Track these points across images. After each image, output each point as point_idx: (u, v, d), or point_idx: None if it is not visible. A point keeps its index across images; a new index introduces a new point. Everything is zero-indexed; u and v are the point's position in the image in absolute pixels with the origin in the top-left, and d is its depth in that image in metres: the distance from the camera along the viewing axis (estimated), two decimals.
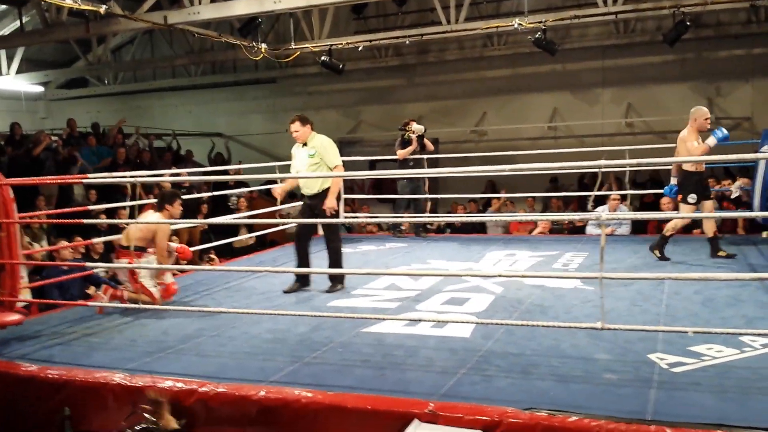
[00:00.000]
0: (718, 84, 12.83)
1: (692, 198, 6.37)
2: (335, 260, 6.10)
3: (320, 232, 7.01)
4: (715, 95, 12.84)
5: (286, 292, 5.95)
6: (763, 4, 10.82)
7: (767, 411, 3.12)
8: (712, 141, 6.22)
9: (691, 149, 6.36)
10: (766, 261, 6.43)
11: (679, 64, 13.00)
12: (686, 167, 6.46)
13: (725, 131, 6.26)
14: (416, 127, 8.82)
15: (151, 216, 5.76)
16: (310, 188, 6.05)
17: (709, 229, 6.70)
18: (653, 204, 10.78)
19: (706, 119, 6.44)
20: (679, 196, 6.58)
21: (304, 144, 6.07)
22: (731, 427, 2.92)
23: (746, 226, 8.67)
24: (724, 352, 3.88)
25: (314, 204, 6.00)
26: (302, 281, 6.07)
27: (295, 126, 6.04)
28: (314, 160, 5.97)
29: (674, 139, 12.61)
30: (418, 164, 8.86)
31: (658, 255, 6.63)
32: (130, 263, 5.51)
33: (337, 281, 5.98)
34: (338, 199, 6.10)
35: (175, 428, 3.45)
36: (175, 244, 5.94)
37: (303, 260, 6.12)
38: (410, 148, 8.81)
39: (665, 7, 10.91)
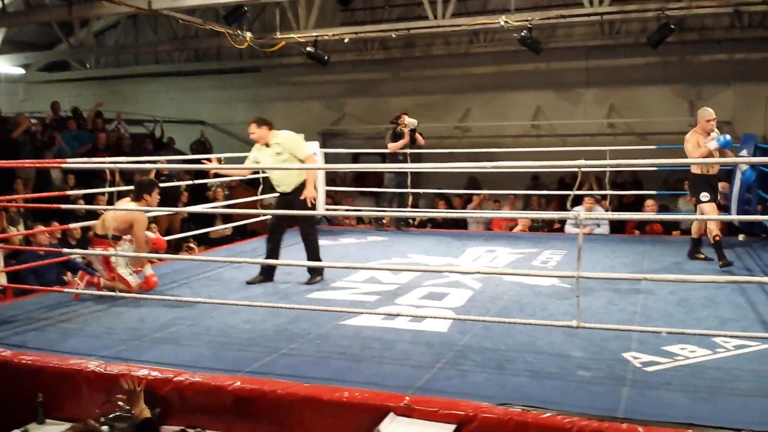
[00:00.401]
0: (700, 88, 12.96)
1: (705, 196, 6.24)
2: (313, 252, 6.06)
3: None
4: (697, 99, 12.95)
5: (248, 283, 5.91)
6: (747, 9, 10.94)
7: (737, 411, 3.17)
8: (712, 145, 6.15)
9: (690, 151, 6.33)
10: (743, 264, 6.52)
11: (662, 67, 13.11)
12: (692, 169, 6.45)
13: (727, 137, 6.15)
14: (409, 121, 8.77)
15: (127, 205, 5.68)
16: (286, 185, 5.95)
17: (696, 230, 6.71)
18: (633, 205, 10.88)
19: (707, 121, 6.32)
20: (692, 199, 6.55)
21: (267, 145, 5.95)
22: (701, 427, 2.96)
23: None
24: (697, 352, 3.93)
25: (291, 199, 5.93)
26: (266, 274, 6.00)
27: (252, 128, 5.94)
28: (283, 157, 5.85)
29: (655, 140, 12.81)
30: (407, 158, 8.82)
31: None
32: (105, 258, 5.44)
33: (316, 273, 5.96)
34: (315, 189, 6.04)
35: (149, 417, 3.43)
36: (151, 234, 5.88)
37: (272, 253, 6.06)
38: (402, 142, 8.75)
39: (650, 9, 10.99)
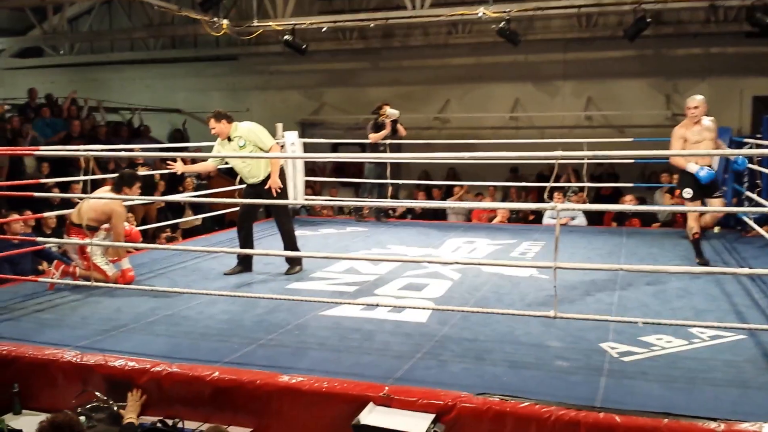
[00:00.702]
0: (676, 81, 13.08)
1: (687, 193, 5.97)
2: (289, 242, 6.02)
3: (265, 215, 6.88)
4: (673, 92, 13.09)
5: (226, 274, 5.87)
6: (722, 4, 11.05)
7: (712, 401, 3.22)
8: (692, 168, 5.90)
9: (672, 144, 6.12)
10: (717, 255, 6.61)
11: (638, 60, 13.21)
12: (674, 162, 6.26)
13: (710, 172, 5.91)
14: (390, 112, 8.74)
15: (117, 201, 5.51)
16: (255, 177, 5.89)
17: (689, 233, 6.25)
18: (610, 197, 10.99)
19: (688, 108, 6.21)
20: (677, 191, 6.40)
21: (229, 139, 5.87)
22: (677, 416, 3.01)
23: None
24: (673, 342, 3.99)
25: (261, 189, 5.87)
26: (244, 265, 5.97)
27: (211, 123, 5.87)
28: (248, 150, 5.78)
29: (632, 133, 12.94)
30: (387, 149, 8.79)
31: (699, 261, 6.07)
32: (81, 247, 5.37)
33: (295, 263, 5.94)
34: (282, 176, 5.96)
35: (133, 423, 3.41)
36: (126, 226, 5.76)
37: (246, 243, 6.02)
38: (383, 133, 8.71)
39: (627, 2, 11.06)
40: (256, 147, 5.79)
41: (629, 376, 3.54)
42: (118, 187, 5.55)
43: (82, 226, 5.33)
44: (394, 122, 8.79)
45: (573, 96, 13.86)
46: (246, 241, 6.04)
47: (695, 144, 6.03)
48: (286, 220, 6.10)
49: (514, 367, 3.69)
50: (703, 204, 6.08)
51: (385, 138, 8.75)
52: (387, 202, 9.06)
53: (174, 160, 5.89)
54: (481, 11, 11.00)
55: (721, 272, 5.26)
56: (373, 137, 8.71)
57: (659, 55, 13.17)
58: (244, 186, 6.21)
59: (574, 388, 3.38)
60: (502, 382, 3.45)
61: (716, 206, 6.14)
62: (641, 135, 12.46)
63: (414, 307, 4.68)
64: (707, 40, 12.80)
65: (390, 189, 9.14)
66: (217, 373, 3.54)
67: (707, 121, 6.22)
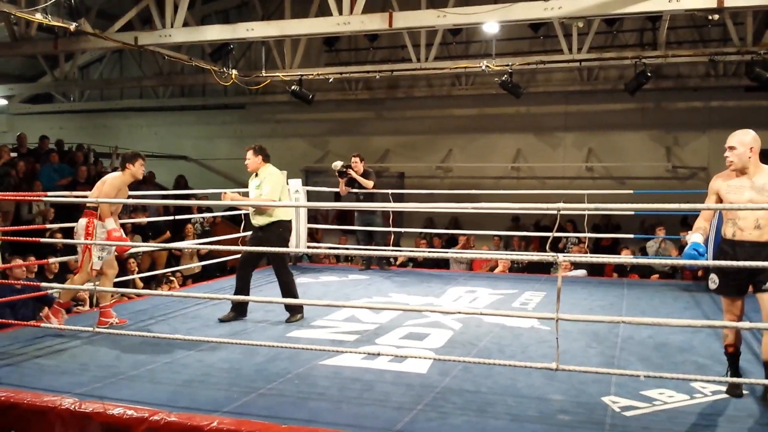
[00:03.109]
0: (676, 134, 13.25)
1: (712, 282, 4.15)
2: (287, 290, 6.01)
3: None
4: (673, 144, 13.24)
5: (221, 320, 5.86)
6: (722, 59, 11.28)
7: None
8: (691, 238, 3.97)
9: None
10: (719, 308, 6.57)
11: (639, 113, 13.40)
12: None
13: (695, 245, 3.89)
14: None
15: (114, 173, 5.78)
16: (256, 220, 5.98)
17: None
18: (610, 248, 11.01)
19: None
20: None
21: (256, 175, 6.04)
22: None
23: (699, 274, 8.89)
24: (675, 397, 3.96)
25: (263, 236, 5.93)
26: (239, 311, 5.97)
27: (248, 155, 6.03)
28: (259, 192, 5.94)
29: (632, 185, 13.02)
30: (368, 198, 8.82)
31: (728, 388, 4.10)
32: (89, 222, 5.47)
33: (295, 311, 5.93)
34: (286, 227, 6.04)
35: None
36: (112, 225, 5.53)
37: (242, 289, 5.99)
38: (340, 185, 8.90)
39: (627, 57, 11.32)
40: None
41: (631, 431, 3.50)
42: (122, 165, 5.73)
43: (92, 208, 5.51)
44: (341, 174, 8.82)
45: (574, 147, 14.02)
46: (243, 286, 6.03)
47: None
48: (284, 271, 6.06)
49: (516, 420, 3.66)
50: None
51: (354, 187, 8.81)
52: (388, 251, 9.08)
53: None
54: (484, 64, 11.25)
55: (722, 326, 5.22)
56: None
57: (660, 108, 13.37)
58: (248, 234, 6.26)
59: None
60: None
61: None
62: (642, 187, 12.59)
63: (415, 357, 4.66)
64: (707, 94, 13.01)
65: (391, 237, 9.18)
66: (215, 423, 3.51)
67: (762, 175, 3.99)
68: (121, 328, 5.59)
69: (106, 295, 5.70)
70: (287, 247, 6.32)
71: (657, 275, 9.15)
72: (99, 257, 5.52)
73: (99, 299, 5.77)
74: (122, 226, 6.09)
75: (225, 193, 6.09)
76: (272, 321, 5.87)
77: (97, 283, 5.51)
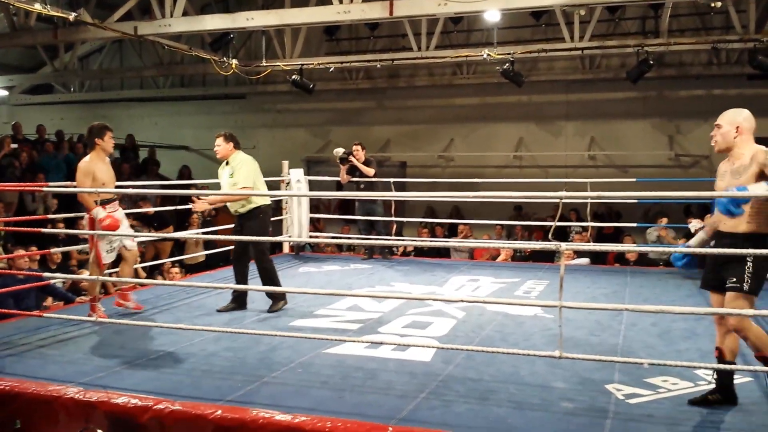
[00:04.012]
0: (679, 122, 13.21)
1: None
2: (269, 278, 5.92)
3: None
4: (675, 133, 13.20)
5: (219, 311, 5.83)
6: (724, 47, 11.22)
7: None
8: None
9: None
10: None
11: (641, 101, 13.35)
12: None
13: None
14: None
15: (83, 159, 5.50)
16: (235, 207, 5.88)
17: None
18: (613, 236, 11.00)
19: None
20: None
21: (227, 163, 5.91)
22: None
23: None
24: (679, 384, 3.96)
25: (245, 224, 5.87)
26: (238, 302, 5.93)
27: (218, 141, 5.88)
28: (233, 180, 5.80)
29: (635, 173, 13.00)
30: (368, 187, 8.83)
31: None
32: (90, 217, 5.34)
33: (278, 299, 5.87)
34: (267, 214, 5.98)
35: None
36: (102, 213, 5.34)
37: (240, 283, 5.94)
38: (341, 173, 8.92)
39: (629, 45, 11.26)
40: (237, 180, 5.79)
41: (634, 418, 3.50)
42: (90, 142, 5.48)
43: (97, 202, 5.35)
44: (342, 161, 8.85)
45: (576, 136, 13.98)
46: (241, 279, 5.97)
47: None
48: (264, 258, 5.95)
49: (519, 408, 3.66)
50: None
51: (355, 176, 8.82)
52: (390, 240, 9.08)
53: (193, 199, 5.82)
54: (485, 53, 11.19)
55: (726, 313, 5.22)
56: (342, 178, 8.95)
57: (662, 96, 13.32)
58: None
59: (579, 430, 3.36)
60: (507, 424, 3.42)
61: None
62: (644, 175, 12.55)
63: (418, 346, 4.66)
64: (710, 82, 12.95)
65: (394, 226, 9.17)
66: (219, 412, 3.51)
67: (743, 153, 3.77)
68: (135, 315, 5.60)
69: (125, 278, 5.60)
70: (268, 233, 6.18)
71: (660, 265, 9.11)
72: (107, 251, 5.46)
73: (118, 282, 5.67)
74: (126, 215, 6.05)
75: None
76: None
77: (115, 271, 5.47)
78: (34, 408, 3.78)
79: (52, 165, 10.98)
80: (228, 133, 5.96)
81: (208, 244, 9.60)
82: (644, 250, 8.16)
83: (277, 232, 9.96)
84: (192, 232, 9.43)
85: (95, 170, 5.41)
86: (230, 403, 3.66)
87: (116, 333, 5.08)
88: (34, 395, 3.81)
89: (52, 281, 6.75)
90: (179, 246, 9.79)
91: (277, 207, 9.04)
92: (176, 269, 8.84)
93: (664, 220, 9.55)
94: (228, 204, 5.91)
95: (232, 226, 8.93)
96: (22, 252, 6.83)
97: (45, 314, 5.41)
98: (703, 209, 9.86)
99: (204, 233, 9.24)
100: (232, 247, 9.14)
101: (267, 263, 5.97)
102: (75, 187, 5.53)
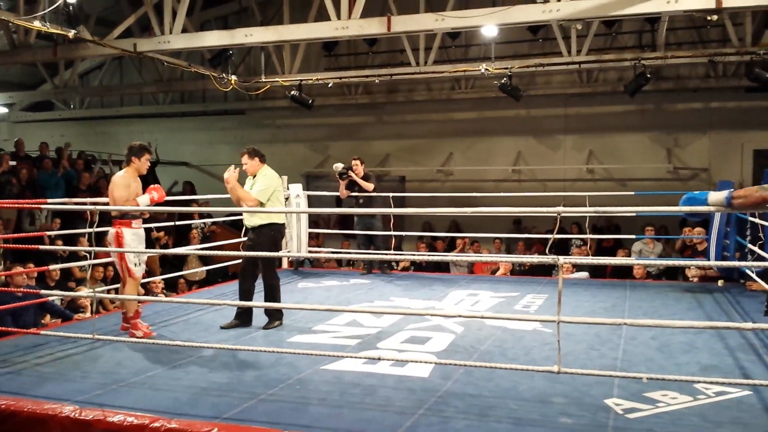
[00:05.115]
0: (677, 135, 13.23)
1: None
2: (271, 296, 5.93)
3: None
4: (674, 146, 13.23)
5: (223, 327, 5.79)
6: (721, 59, 11.26)
7: None
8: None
9: None
10: (722, 309, 6.57)
11: (639, 115, 13.39)
12: None
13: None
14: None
15: (118, 173, 5.61)
16: (248, 221, 5.93)
17: None
18: (612, 249, 10.99)
19: None
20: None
21: (254, 176, 5.97)
22: None
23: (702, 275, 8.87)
24: (679, 399, 3.94)
25: (255, 239, 5.87)
26: (242, 319, 5.88)
27: (244, 159, 5.96)
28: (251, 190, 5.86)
29: (633, 186, 13.00)
30: (367, 202, 8.84)
31: None
32: (118, 232, 5.38)
33: (274, 318, 5.84)
34: (279, 231, 6.00)
35: None
36: (147, 197, 5.50)
37: (244, 297, 5.92)
38: (341, 188, 8.94)
39: (627, 59, 11.32)
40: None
41: None
42: (127, 160, 5.57)
43: (116, 217, 5.39)
44: (341, 175, 8.88)
45: (574, 150, 14.01)
46: (246, 293, 5.96)
47: None
48: (272, 274, 5.99)
49: (518, 424, 3.64)
50: None
51: (354, 191, 8.86)
52: (390, 255, 9.07)
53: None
54: (483, 68, 11.25)
55: (725, 327, 5.22)
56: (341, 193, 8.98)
57: (660, 109, 13.36)
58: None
59: None
60: None
61: None
62: (643, 188, 12.56)
63: (417, 361, 4.64)
64: (707, 95, 13.00)
65: (393, 241, 9.17)
66: (216, 430, 3.49)
67: None
68: (172, 334, 5.59)
69: (132, 304, 5.52)
70: (278, 250, 6.21)
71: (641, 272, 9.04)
72: (136, 264, 5.47)
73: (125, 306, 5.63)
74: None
75: (230, 169, 5.74)
76: (274, 327, 5.85)
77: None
78: (30, 426, 3.76)
79: (52, 183, 10.99)
80: (251, 149, 6.02)
81: (206, 261, 9.60)
82: (641, 263, 8.16)
83: None
84: (194, 248, 9.41)
85: (130, 184, 5.51)
86: (227, 421, 3.64)
87: (113, 350, 5.06)
88: (30, 413, 3.79)
89: (50, 298, 6.73)
90: (170, 264, 9.77)
91: None
92: (161, 285, 8.76)
93: (651, 230, 9.56)
94: (244, 215, 5.99)
95: (232, 241, 8.95)
96: (20, 269, 6.81)
97: (42, 332, 5.39)
98: (700, 221, 9.85)
99: (206, 249, 9.22)
100: (232, 263, 9.25)
101: (274, 280, 6.01)
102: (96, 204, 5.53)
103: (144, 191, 5.58)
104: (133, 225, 5.47)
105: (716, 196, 3.62)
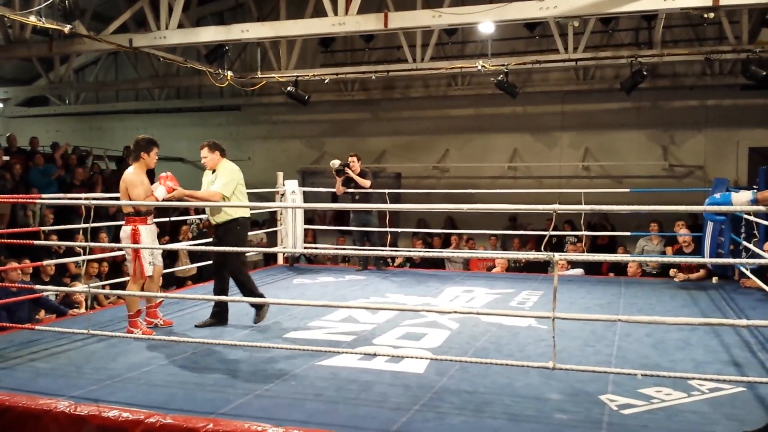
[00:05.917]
0: (673, 132, 13.25)
1: None
2: (249, 291, 5.78)
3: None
4: (670, 143, 13.24)
5: (197, 326, 5.68)
6: (717, 57, 11.28)
7: None
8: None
9: None
10: (716, 306, 6.59)
11: (635, 112, 13.40)
12: None
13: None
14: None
15: (128, 170, 5.50)
16: (213, 218, 5.80)
17: None
18: (606, 246, 11.01)
19: None
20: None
21: (213, 171, 5.80)
22: None
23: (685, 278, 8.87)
24: (673, 395, 3.95)
25: (221, 236, 5.74)
26: (218, 318, 5.76)
27: (204, 152, 5.77)
28: (213, 186, 5.70)
29: (629, 183, 13.03)
30: (363, 198, 8.83)
31: None
32: (133, 229, 5.31)
33: (259, 307, 5.73)
34: (244, 226, 5.83)
35: None
36: (164, 187, 5.46)
37: (219, 294, 5.75)
38: (337, 184, 8.92)
39: (623, 56, 11.32)
40: None
41: (629, 429, 3.49)
42: (135, 155, 5.47)
43: (132, 214, 5.32)
44: (338, 172, 8.86)
45: (571, 147, 14.02)
46: (220, 292, 5.78)
47: None
48: (239, 270, 5.82)
49: (513, 419, 3.65)
50: None
51: (350, 187, 8.84)
52: (385, 251, 9.07)
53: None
54: (479, 64, 11.24)
55: (719, 323, 5.24)
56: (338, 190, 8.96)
57: (656, 107, 13.37)
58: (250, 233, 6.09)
59: None
60: None
61: None
62: (639, 185, 12.58)
63: (412, 357, 4.65)
64: (703, 93, 13.02)
65: (389, 237, 9.17)
66: (211, 425, 3.49)
67: None
68: (166, 330, 5.57)
69: (134, 302, 5.46)
70: (245, 245, 6.04)
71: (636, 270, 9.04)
72: (150, 263, 5.41)
73: (146, 300, 5.62)
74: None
75: (161, 191, 5.53)
76: (267, 322, 5.85)
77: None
78: (25, 422, 3.76)
79: (44, 182, 10.91)
80: (211, 142, 5.84)
81: (198, 257, 9.57)
82: (637, 260, 8.17)
83: (272, 244, 9.95)
84: (185, 244, 9.39)
85: (144, 180, 5.44)
86: (223, 416, 3.64)
87: (108, 346, 5.05)
88: (25, 409, 3.78)
89: (44, 294, 6.71)
90: (171, 258, 9.75)
91: (271, 218, 9.03)
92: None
93: (655, 227, 9.57)
94: (207, 212, 5.85)
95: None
96: (14, 264, 6.78)
97: (37, 327, 5.38)
98: (694, 219, 9.88)
99: (194, 245, 9.19)
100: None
101: (243, 276, 5.83)
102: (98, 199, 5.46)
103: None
104: (148, 221, 5.43)
105: (740, 198, 3.71)
